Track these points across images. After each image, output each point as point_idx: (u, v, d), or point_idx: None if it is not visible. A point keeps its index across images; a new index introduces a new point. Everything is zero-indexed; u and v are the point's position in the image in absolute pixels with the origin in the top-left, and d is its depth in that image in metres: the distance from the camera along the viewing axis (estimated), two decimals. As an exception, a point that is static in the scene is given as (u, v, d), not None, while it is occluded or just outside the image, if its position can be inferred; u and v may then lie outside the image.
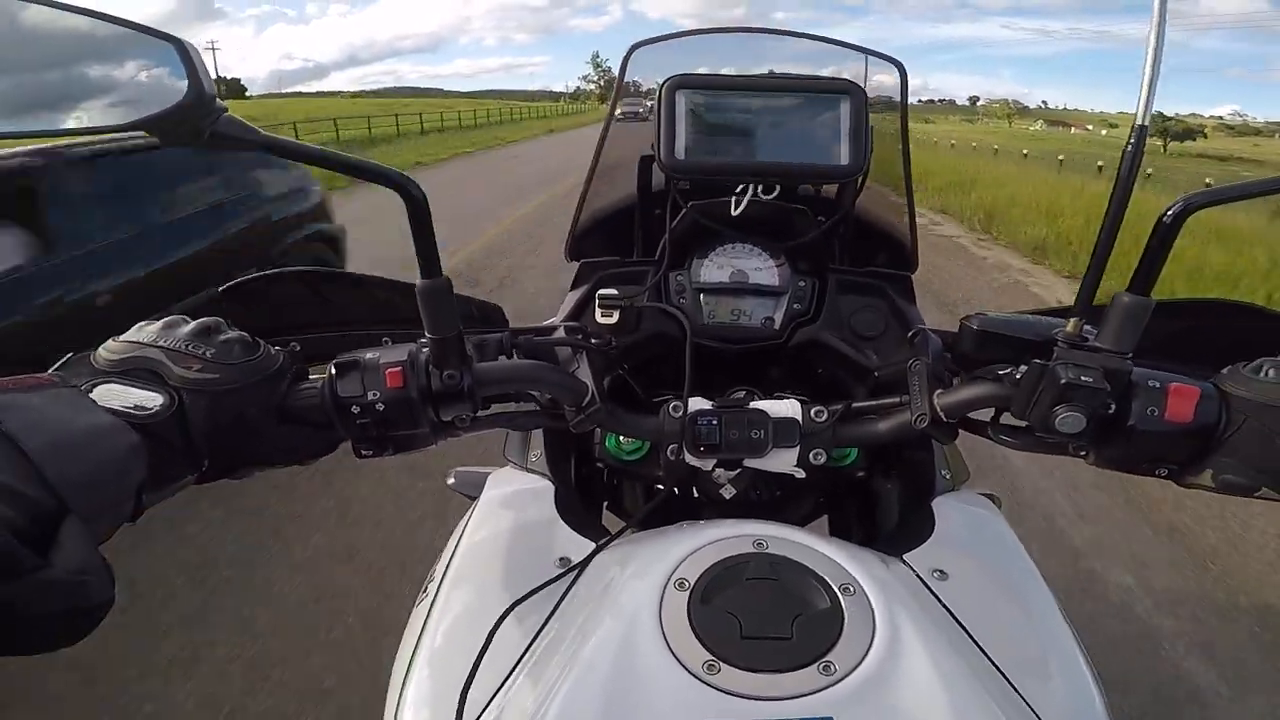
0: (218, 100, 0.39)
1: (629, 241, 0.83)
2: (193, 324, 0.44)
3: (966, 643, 0.45)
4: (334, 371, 0.46)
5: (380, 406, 0.46)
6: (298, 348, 0.49)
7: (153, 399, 0.40)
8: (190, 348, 0.43)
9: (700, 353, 0.68)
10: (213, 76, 0.39)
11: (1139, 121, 0.40)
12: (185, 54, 0.38)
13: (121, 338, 0.43)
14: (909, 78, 0.78)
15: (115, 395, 0.39)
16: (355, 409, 0.46)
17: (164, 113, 0.37)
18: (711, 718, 0.36)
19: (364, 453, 0.49)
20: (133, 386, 0.40)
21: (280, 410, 0.46)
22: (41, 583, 0.28)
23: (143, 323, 0.45)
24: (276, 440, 0.46)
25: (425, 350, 0.47)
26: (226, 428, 0.43)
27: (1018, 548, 0.56)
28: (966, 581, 0.50)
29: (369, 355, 0.47)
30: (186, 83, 0.37)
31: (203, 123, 0.38)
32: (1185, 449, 0.46)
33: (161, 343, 0.43)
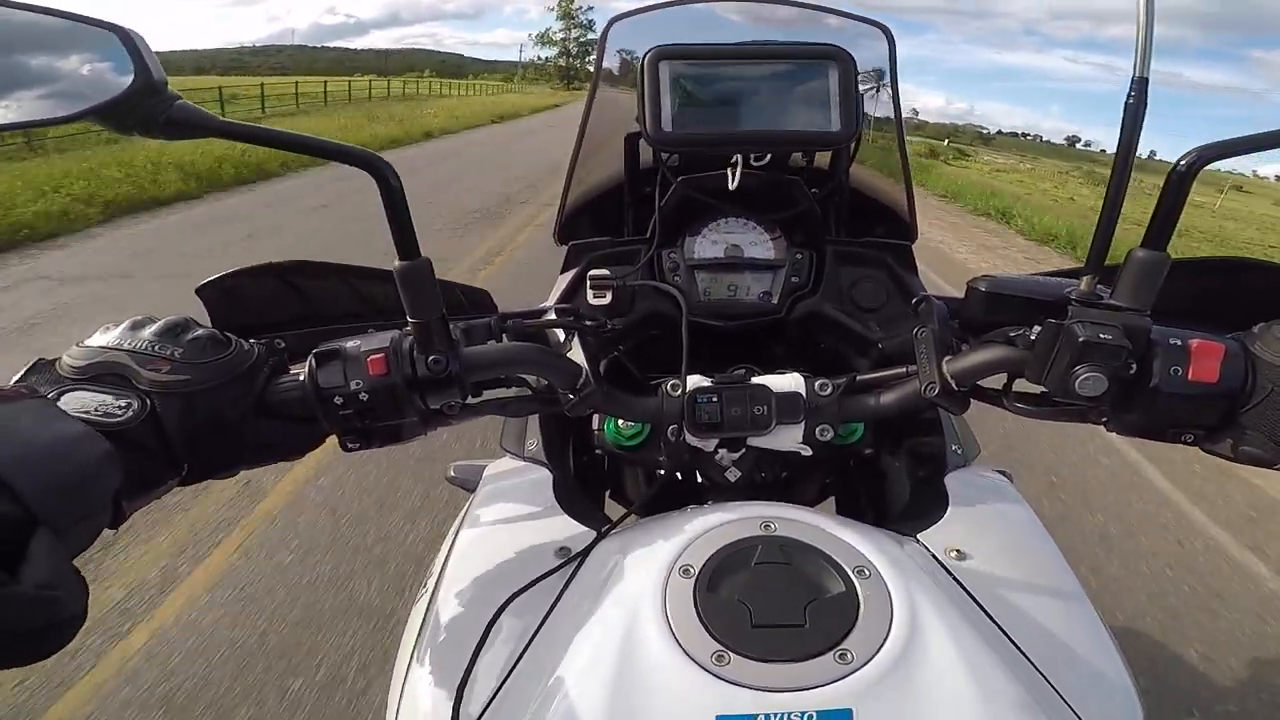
0: (169, 87, 0.37)
1: (619, 222, 0.81)
2: (159, 323, 0.43)
3: (989, 626, 0.43)
4: (314, 362, 0.45)
5: (364, 396, 0.44)
6: (282, 344, 0.47)
7: (122, 405, 0.38)
8: (157, 349, 0.41)
9: (697, 331, 0.66)
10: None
11: (1137, 73, 0.38)
12: (130, 42, 0.37)
13: (86, 342, 0.42)
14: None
15: (84, 403, 0.38)
16: (338, 400, 0.44)
17: (113, 101, 0.36)
18: (721, 712, 0.35)
19: (350, 445, 0.47)
20: (101, 393, 0.39)
21: (260, 406, 0.44)
22: (8, 598, 0.27)
23: (107, 324, 0.43)
24: (259, 437, 0.45)
25: (409, 336, 0.45)
26: (204, 428, 0.41)
27: (1036, 525, 0.54)
28: (985, 561, 0.48)
29: (350, 344, 0.45)
30: (134, 71, 0.36)
31: (155, 110, 0.37)
32: (1211, 412, 0.44)
33: (127, 345, 0.41)
